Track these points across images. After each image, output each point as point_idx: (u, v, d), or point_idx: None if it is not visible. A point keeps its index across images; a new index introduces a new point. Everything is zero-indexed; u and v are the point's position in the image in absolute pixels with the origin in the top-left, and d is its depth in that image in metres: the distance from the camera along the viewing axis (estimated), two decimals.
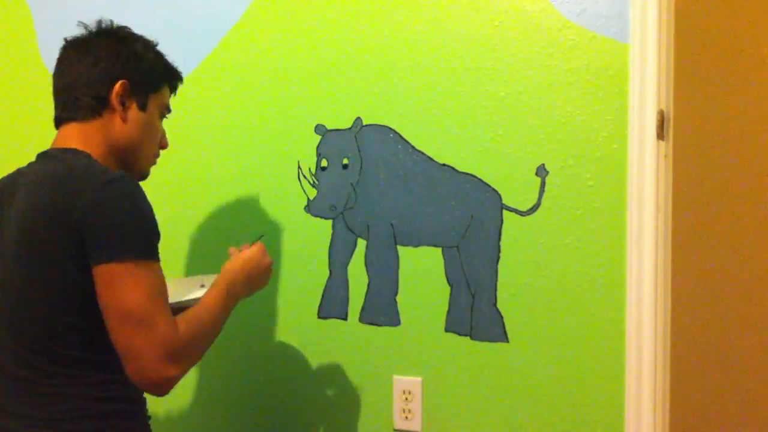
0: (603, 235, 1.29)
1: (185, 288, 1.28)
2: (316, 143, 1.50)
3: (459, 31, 1.39)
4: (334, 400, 1.50)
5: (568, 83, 1.31)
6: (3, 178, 1.18)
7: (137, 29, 1.67)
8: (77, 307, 1.04)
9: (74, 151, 1.12)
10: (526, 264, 1.34)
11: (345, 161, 1.47)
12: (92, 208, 1.01)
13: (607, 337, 1.29)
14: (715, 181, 1.45)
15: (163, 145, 1.26)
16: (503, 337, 1.36)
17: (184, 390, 1.60)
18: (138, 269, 1.01)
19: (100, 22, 1.21)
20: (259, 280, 1.25)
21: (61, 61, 1.19)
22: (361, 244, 1.47)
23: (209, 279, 1.24)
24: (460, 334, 1.39)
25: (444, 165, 1.40)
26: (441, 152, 1.40)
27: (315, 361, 1.50)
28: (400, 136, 1.43)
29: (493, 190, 1.37)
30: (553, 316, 1.33)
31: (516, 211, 1.35)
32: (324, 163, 1.49)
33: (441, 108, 1.40)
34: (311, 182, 1.50)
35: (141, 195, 1.06)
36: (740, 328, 1.48)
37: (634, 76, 1.25)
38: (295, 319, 1.51)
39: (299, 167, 1.51)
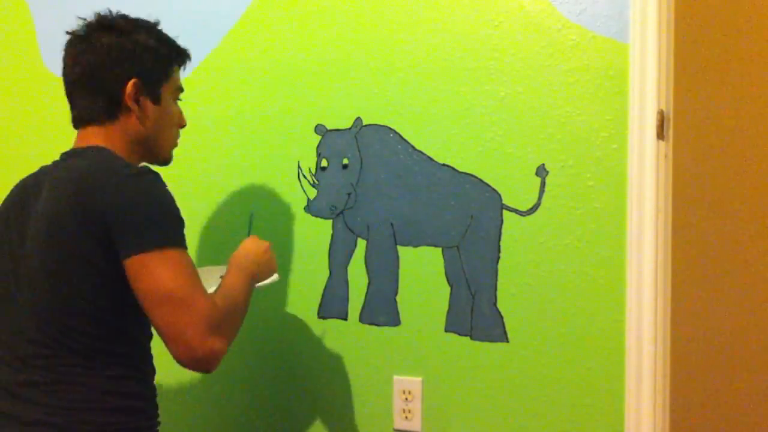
0: (603, 235, 1.29)
1: (204, 279, 1.29)
2: (316, 143, 1.50)
3: (459, 31, 1.39)
4: (334, 400, 1.50)
5: (568, 83, 1.31)
6: (27, 177, 1.20)
7: None
8: (103, 299, 1.07)
9: (97, 147, 1.14)
10: (526, 264, 1.34)
11: (345, 161, 1.47)
12: (117, 203, 1.04)
13: (607, 337, 1.29)
14: (715, 181, 1.45)
15: (182, 124, 1.27)
16: (503, 337, 1.36)
17: (185, 390, 1.60)
18: (168, 256, 1.04)
19: (98, 15, 1.20)
20: (265, 263, 1.28)
21: (66, 59, 1.19)
22: (361, 244, 1.47)
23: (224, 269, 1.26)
24: (460, 334, 1.39)
25: (444, 165, 1.40)
26: (441, 152, 1.40)
27: (315, 361, 1.50)
28: (400, 136, 1.43)
29: (493, 190, 1.37)
30: (553, 316, 1.32)
31: (516, 211, 1.35)
32: (324, 163, 1.49)
33: (441, 108, 1.40)
34: (311, 182, 1.50)
35: (162, 186, 1.09)
36: (740, 328, 1.48)
37: (634, 76, 1.25)
38: (295, 319, 1.51)
39: (299, 167, 1.51)
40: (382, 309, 1.45)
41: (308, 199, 1.50)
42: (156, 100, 1.19)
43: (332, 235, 1.48)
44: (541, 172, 1.33)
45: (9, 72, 1.81)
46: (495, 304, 1.36)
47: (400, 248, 1.44)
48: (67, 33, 1.19)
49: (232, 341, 1.09)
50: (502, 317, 1.36)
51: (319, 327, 1.50)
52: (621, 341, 1.27)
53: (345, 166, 1.47)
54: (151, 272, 1.02)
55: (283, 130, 1.52)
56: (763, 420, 1.50)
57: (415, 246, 1.43)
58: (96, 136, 1.16)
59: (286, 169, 1.51)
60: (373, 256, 1.46)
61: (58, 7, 1.76)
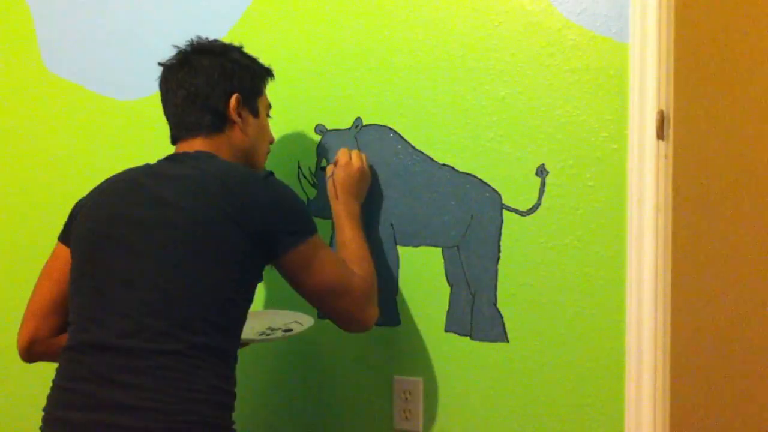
0: (603, 235, 1.29)
1: (265, 323, 1.39)
2: (316, 143, 1.50)
3: (459, 31, 1.39)
4: (334, 400, 1.50)
5: (568, 83, 1.31)
6: (118, 176, 1.25)
7: (137, 29, 1.68)
8: (233, 292, 1.15)
9: (207, 153, 1.23)
10: (526, 264, 1.34)
11: None
12: (265, 204, 1.17)
13: (607, 337, 1.29)
14: (715, 181, 1.45)
15: (271, 140, 1.39)
16: (503, 337, 1.36)
17: None
18: (319, 244, 1.22)
19: (192, 42, 1.31)
20: (362, 186, 1.40)
21: (168, 85, 1.28)
22: None
23: (281, 315, 1.40)
24: (460, 334, 1.39)
25: (444, 165, 1.40)
26: (441, 152, 1.40)
27: (315, 361, 1.50)
28: (400, 136, 1.43)
29: (493, 190, 1.37)
30: (553, 316, 1.32)
31: (516, 211, 1.35)
32: (324, 163, 1.50)
33: (441, 108, 1.40)
34: (311, 182, 1.51)
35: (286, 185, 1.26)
36: (740, 328, 1.48)
37: (634, 76, 1.25)
38: None
39: (299, 167, 1.52)
40: (382, 309, 1.45)
41: (308, 198, 1.50)
42: (255, 112, 1.32)
43: (332, 235, 1.48)
44: (541, 172, 1.33)
45: (9, 72, 1.81)
46: (495, 304, 1.36)
47: (400, 248, 1.44)
48: (161, 64, 1.30)
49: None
50: (502, 317, 1.36)
51: (319, 327, 1.49)
52: (621, 341, 1.27)
53: None
54: (312, 265, 1.19)
55: (283, 130, 1.52)
56: (764, 420, 1.50)
57: (415, 246, 1.43)
58: (203, 146, 1.25)
59: (286, 169, 1.51)
60: (373, 256, 1.45)
61: (58, 7, 1.76)
